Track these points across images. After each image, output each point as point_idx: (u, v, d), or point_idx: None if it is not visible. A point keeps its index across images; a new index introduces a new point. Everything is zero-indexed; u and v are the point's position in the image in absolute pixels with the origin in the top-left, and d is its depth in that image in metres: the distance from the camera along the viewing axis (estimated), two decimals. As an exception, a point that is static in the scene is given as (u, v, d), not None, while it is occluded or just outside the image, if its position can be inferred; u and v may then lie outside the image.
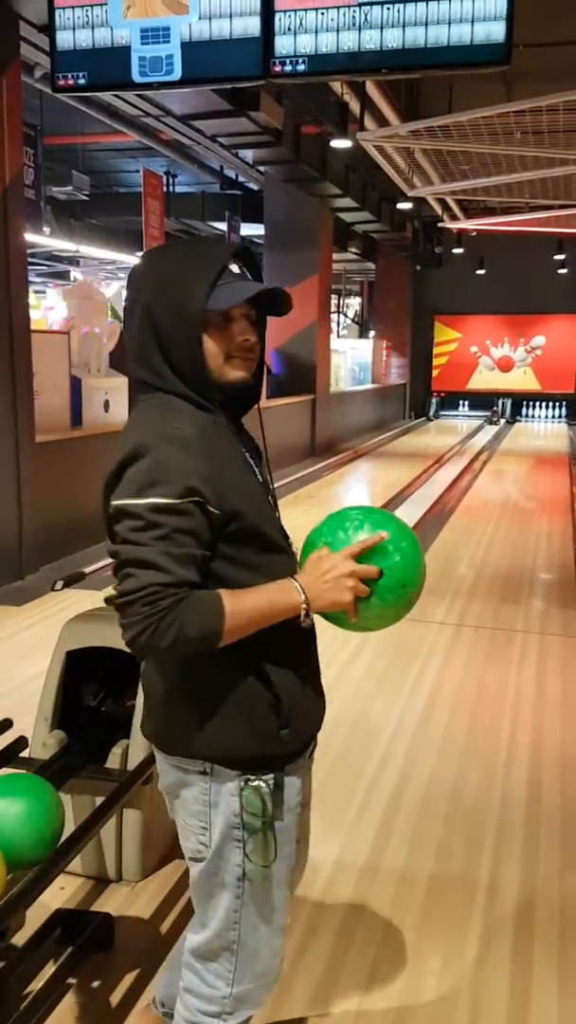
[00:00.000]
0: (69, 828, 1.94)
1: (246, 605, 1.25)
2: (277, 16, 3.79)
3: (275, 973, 1.48)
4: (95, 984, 2.00)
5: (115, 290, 12.06)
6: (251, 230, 12.30)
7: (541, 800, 2.84)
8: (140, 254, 1.28)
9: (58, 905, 2.20)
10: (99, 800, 2.12)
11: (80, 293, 7.47)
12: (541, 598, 5.34)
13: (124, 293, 1.36)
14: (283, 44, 3.79)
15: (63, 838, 1.84)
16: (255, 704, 1.34)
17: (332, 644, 4.28)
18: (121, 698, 2.48)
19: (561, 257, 15.86)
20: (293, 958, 2.08)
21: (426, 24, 3.59)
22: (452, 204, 12.46)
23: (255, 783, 1.34)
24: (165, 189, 10.61)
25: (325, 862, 2.50)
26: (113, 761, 2.31)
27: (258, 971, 1.44)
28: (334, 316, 22.08)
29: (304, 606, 1.28)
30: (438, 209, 12.76)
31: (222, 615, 1.22)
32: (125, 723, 2.37)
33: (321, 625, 1.40)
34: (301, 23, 3.76)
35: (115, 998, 1.96)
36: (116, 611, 1.25)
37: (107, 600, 1.26)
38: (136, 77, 4.04)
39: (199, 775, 1.36)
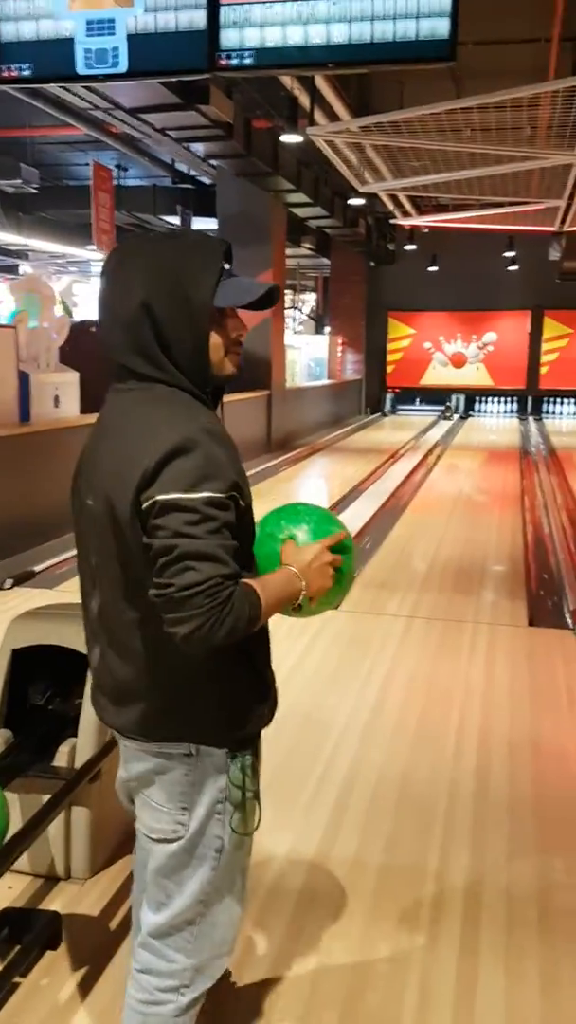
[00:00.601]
0: (16, 827, 1.92)
1: (269, 595, 1.31)
2: (222, 10, 3.77)
3: (231, 943, 1.52)
4: (43, 983, 1.98)
5: (65, 284, 11.91)
6: (203, 224, 12.24)
7: (488, 788, 2.88)
8: (121, 244, 1.28)
9: (5, 904, 2.18)
10: (46, 798, 2.11)
11: (28, 287, 7.36)
12: (491, 590, 5.42)
13: (104, 281, 1.39)
14: (229, 37, 3.78)
15: (9, 836, 1.82)
16: (242, 686, 1.42)
17: (287, 638, 4.30)
18: (69, 696, 2.46)
19: (512, 254, 16.06)
20: (243, 948, 2.09)
21: (372, 19, 3.60)
22: (404, 200, 12.53)
23: (240, 760, 1.42)
24: (116, 182, 10.51)
25: (276, 853, 2.51)
26: (60, 759, 2.29)
27: (216, 940, 1.49)
28: (289, 312, 22.10)
29: (304, 592, 1.37)
30: (390, 205, 12.84)
31: (259, 605, 1.29)
32: (72, 721, 2.35)
33: (275, 619, 1.42)
34: (247, 17, 3.75)
35: (63, 996, 1.95)
36: (163, 606, 1.24)
37: (156, 596, 1.24)
38: (81, 69, 3.99)
39: (184, 757, 1.40)
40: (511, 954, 2.09)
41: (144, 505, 1.25)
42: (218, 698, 1.40)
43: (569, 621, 4.60)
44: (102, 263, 1.47)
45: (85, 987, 1.98)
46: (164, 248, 1.36)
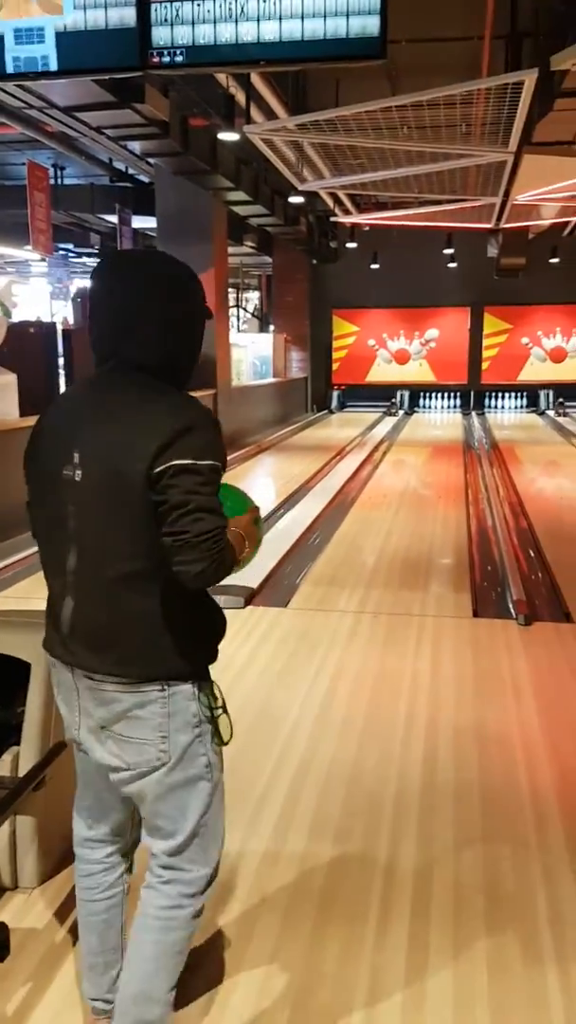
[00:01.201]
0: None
1: (235, 547, 1.60)
2: (153, 7, 3.74)
3: (220, 855, 1.76)
4: (-10, 996, 1.95)
5: (3, 285, 11.70)
6: (143, 223, 12.15)
7: (436, 778, 2.92)
8: (131, 255, 1.94)
9: (-51, 919, 2.13)
10: (-11, 808, 2.07)
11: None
12: (437, 582, 5.48)
13: (119, 285, 1.64)
14: (160, 35, 3.75)
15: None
16: (202, 627, 1.68)
17: (238, 636, 4.31)
18: (11, 704, 2.42)
19: (450, 251, 16.27)
20: (193, 949, 2.08)
21: (302, 17, 3.61)
22: (344, 198, 12.60)
23: (205, 688, 1.66)
24: (53, 181, 10.36)
25: (227, 851, 2.48)
26: (3, 768, 2.26)
27: (219, 848, 1.75)
28: (233, 310, 22.05)
29: (247, 550, 1.70)
30: (331, 203, 12.89)
31: (235, 553, 1.60)
32: (15, 729, 2.31)
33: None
34: (177, 14, 3.72)
35: (11, 1008, 1.92)
36: (177, 549, 1.50)
37: (173, 541, 1.52)
38: (9, 67, 3.92)
39: (158, 692, 1.60)
40: (459, 944, 2.12)
41: (158, 469, 1.49)
42: (184, 638, 1.62)
43: (512, 611, 4.67)
44: (108, 267, 1.69)
45: (33, 998, 1.95)
46: (167, 264, 1.65)
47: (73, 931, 2.14)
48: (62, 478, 1.59)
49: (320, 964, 2.06)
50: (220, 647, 1.72)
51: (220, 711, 1.67)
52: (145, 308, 1.59)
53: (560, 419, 16.21)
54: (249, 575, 5.33)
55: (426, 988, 1.98)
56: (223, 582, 1.59)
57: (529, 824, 2.63)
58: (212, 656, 1.70)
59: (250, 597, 4.93)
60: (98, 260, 1.51)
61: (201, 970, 2.02)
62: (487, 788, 2.86)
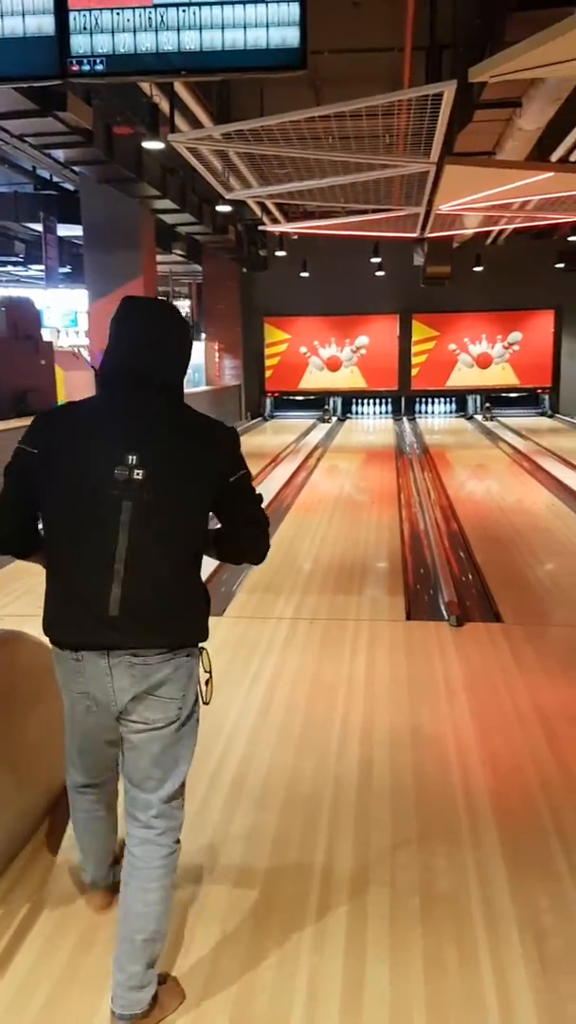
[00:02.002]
0: None
1: None
2: (71, 15, 3.71)
3: None
4: None
5: None
6: (69, 231, 12.01)
7: (371, 780, 2.94)
8: (157, 303, 2.19)
9: None
10: None
11: None
12: (372, 586, 5.54)
13: (154, 325, 2.03)
14: (79, 43, 3.72)
15: None
16: (207, 598, 2.00)
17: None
18: None
19: (378, 260, 16.50)
20: (131, 969, 2.06)
21: (222, 27, 3.62)
22: (272, 207, 12.66)
23: (204, 650, 2.00)
24: (-26, 190, 10.16)
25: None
26: None
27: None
28: (164, 319, 21.89)
29: None
30: (259, 212, 12.94)
31: None
32: None
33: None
34: (96, 23, 3.70)
35: None
36: (259, 535, 2.05)
37: (256, 530, 2.07)
38: None
39: (186, 657, 1.94)
40: (395, 945, 2.14)
41: (237, 471, 1.97)
42: (202, 609, 1.99)
43: (444, 612, 4.75)
44: (141, 311, 2.04)
45: None
46: (177, 311, 2.11)
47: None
48: (114, 477, 1.83)
49: (258, 973, 2.05)
50: None
51: (208, 675, 2.00)
52: (173, 345, 2.00)
53: (488, 423, 16.56)
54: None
55: (363, 992, 1.99)
56: None
57: (463, 823, 2.68)
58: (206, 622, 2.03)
59: (185, 607, 4.89)
60: (128, 304, 1.76)
61: (138, 987, 2.00)
62: (422, 789, 2.89)
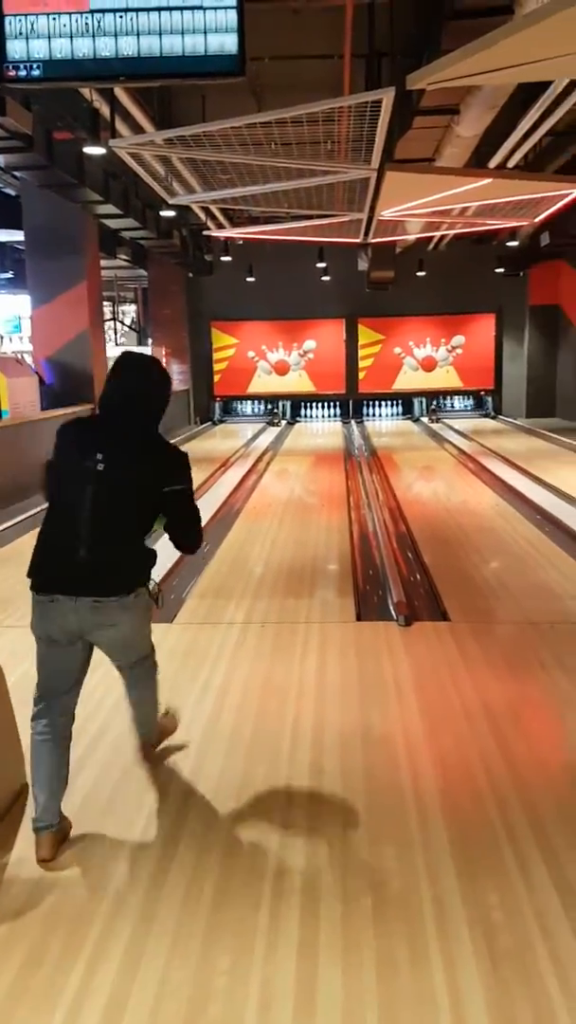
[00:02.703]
0: None
1: None
2: (7, 20, 3.67)
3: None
4: None
5: None
6: (10, 236, 11.84)
7: (322, 784, 2.96)
8: (148, 358, 2.94)
9: None
10: None
11: None
12: (322, 588, 5.56)
13: (139, 372, 2.84)
14: (15, 48, 3.68)
15: None
16: (149, 558, 2.74)
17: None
18: None
19: (323, 265, 16.61)
20: (81, 979, 2.04)
21: (160, 33, 3.62)
22: (216, 212, 12.65)
23: (149, 582, 2.74)
24: None
25: (113, 875, 2.47)
26: None
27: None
28: (110, 323, 21.74)
29: None
30: (203, 217, 12.92)
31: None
32: None
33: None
34: (33, 28, 3.66)
35: None
36: (179, 534, 2.83)
37: (193, 527, 2.91)
38: None
39: (134, 596, 2.65)
40: (348, 948, 2.15)
41: (180, 484, 2.73)
42: (146, 564, 2.72)
43: (393, 613, 4.79)
44: (130, 363, 2.82)
45: None
46: (162, 370, 2.86)
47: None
48: (96, 472, 2.59)
49: (210, 980, 2.05)
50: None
51: (157, 588, 2.80)
52: (152, 393, 2.78)
53: (433, 425, 16.77)
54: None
55: (316, 995, 2.00)
56: None
57: (413, 823, 2.70)
58: (154, 565, 2.77)
59: (134, 615, 4.86)
60: (125, 358, 2.69)
61: (89, 999, 1.98)
62: (372, 790, 2.91)
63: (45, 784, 2.61)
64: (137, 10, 3.65)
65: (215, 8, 3.62)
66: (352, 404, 18.52)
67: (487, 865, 2.48)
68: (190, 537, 2.85)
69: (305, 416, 18.64)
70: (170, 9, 3.61)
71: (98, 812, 2.81)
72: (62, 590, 2.57)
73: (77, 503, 2.58)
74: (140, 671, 2.93)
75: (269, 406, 18.52)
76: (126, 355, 2.83)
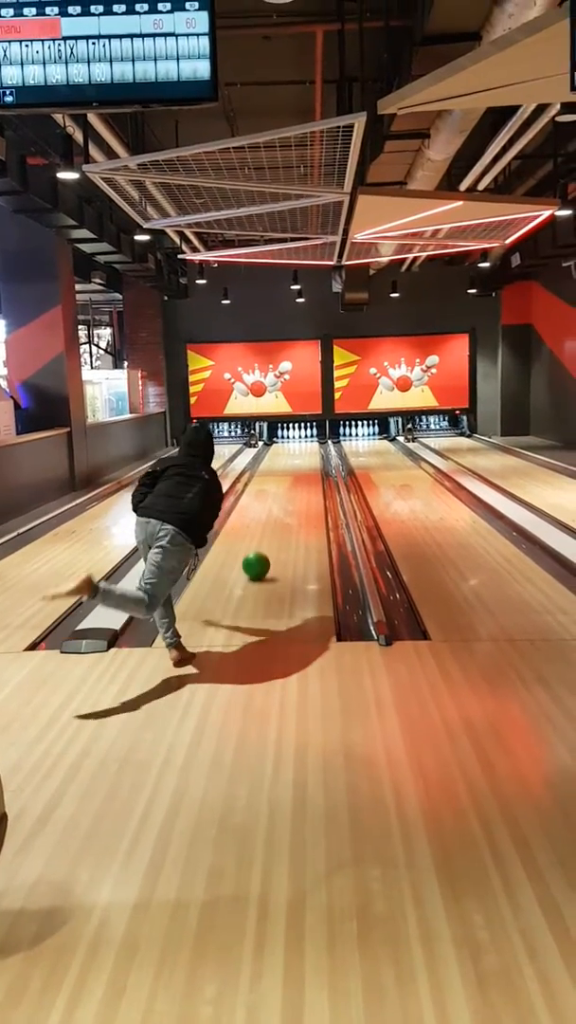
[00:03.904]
0: None
1: None
2: (-21, 45, 3.67)
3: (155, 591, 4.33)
4: None
5: None
6: (-15, 262, 11.78)
7: (306, 804, 2.93)
8: (200, 428, 5.04)
9: None
10: None
11: None
12: (301, 609, 5.55)
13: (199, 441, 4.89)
14: (-13, 74, 3.67)
15: None
16: (205, 528, 4.62)
17: (101, 680, 4.20)
18: None
19: (297, 287, 16.75)
20: (64, 1009, 2.00)
21: (133, 60, 3.64)
22: (191, 236, 12.73)
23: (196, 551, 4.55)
24: None
25: (96, 903, 2.43)
26: None
27: (156, 589, 4.30)
28: (85, 347, 21.72)
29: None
30: (178, 240, 12.99)
31: None
32: None
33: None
34: (5, 54, 3.67)
35: None
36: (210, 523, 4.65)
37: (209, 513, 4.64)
38: None
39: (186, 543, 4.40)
40: (335, 972, 2.13)
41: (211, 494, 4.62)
42: (204, 532, 4.54)
43: (373, 632, 4.79)
44: (194, 431, 4.94)
45: None
46: (208, 432, 5.01)
47: None
48: (198, 475, 4.58)
49: (196, 1010, 2.01)
50: (83, 695, 3.99)
51: (193, 567, 4.68)
52: (204, 443, 4.82)
53: (409, 444, 16.88)
54: (112, 616, 5.22)
55: (303, 1021, 1.97)
56: (84, 626, 4.84)
57: (397, 843, 2.69)
58: (203, 545, 4.60)
59: (113, 639, 4.82)
60: (199, 427, 5.26)
61: (71, 1036, 1.94)
62: (355, 810, 2.90)
63: (162, 624, 4.48)
64: (110, 37, 3.67)
65: (187, 35, 3.65)
66: (329, 424, 18.60)
67: (471, 884, 2.47)
68: (207, 528, 4.54)
69: (282, 437, 18.70)
70: (143, 36, 3.63)
71: (79, 841, 2.77)
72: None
73: (170, 493, 4.48)
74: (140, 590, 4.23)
75: (246, 427, 18.55)
76: (192, 425, 4.47)
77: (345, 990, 2.07)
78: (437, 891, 2.43)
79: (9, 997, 2.08)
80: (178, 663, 4.39)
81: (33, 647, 4.83)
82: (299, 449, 17.47)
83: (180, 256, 13.66)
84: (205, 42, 3.73)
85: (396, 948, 2.20)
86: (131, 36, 3.65)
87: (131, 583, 6.00)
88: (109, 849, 2.71)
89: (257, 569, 6.25)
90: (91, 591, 3.96)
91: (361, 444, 17.89)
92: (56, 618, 5.34)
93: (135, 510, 4.53)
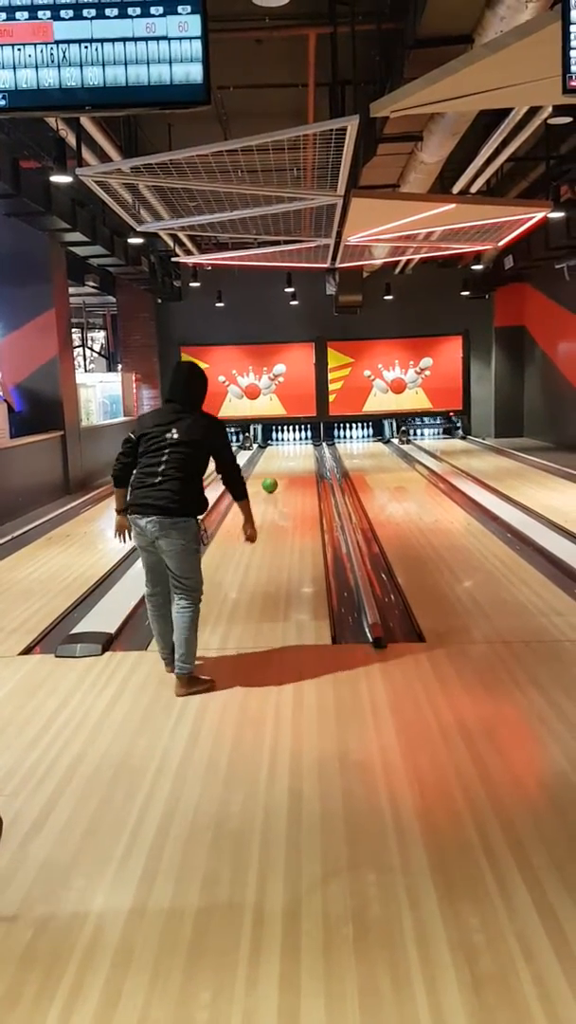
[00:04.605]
0: None
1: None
2: (-29, 49, 3.66)
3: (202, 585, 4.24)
4: None
5: None
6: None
7: (301, 809, 2.93)
8: (188, 365, 4.49)
9: None
10: None
11: None
12: (297, 612, 5.55)
13: (188, 374, 4.38)
14: (-21, 78, 3.67)
15: None
16: (202, 498, 4.20)
17: (95, 684, 4.19)
18: None
19: (291, 290, 16.76)
20: (58, 1018, 1.99)
21: (125, 64, 3.63)
22: (184, 239, 12.73)
23: (198, 520, 4.14)
24: None
25: (90, 911, 2.42)
26: None
27: (201, 582, 4.23)
28: (79, 350, 21.69)
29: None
30: (171, 244, 12.98)
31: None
32: None
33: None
34: (-3, 57, 3.66)
35: None
36: (227, 474, 4.32)
37: (234, 468, 4.36)
38: None
39: (186, 521, 4.05)
40: (331, 977, 2.12)
41: (219, 435, 4.24)
42: (199, 501, 4.12)
43: (369, 635, 4.79)
44: (181, 367, 4.42)
45: None
46: (199, 370, 4.41)
47: None
48: (164, 436, 4.07)
49: (191, 1015, 2.01)
50: (78, 700, 4.00)
51: (203, 530, 4.19)
52: (193, 385, 4.27)
53: (404, 447, 16.89)
54: (107, 620, 5.21)
55: (299, 1026, 1.96)
56: (79, 630, 4.71)
57: (392, 847, 2.68)
58: (202, 512, 4.15)
59: (108, 643, 4.81)
60: (176, 366, 4.65)
61: (66, 1044, 1.93)
62: (351, 815, 2.89)
63: (160, 638, 4.30)
64: (102, 40, 3.66)
65: (180, 38, 3.65)
66: (323, 427, 18.61)
67: (467, 887, 2.46)
68: (234, 479, 4.29)
69: (276, 439, 18.70)
70: (135, 40, 3.63)
71: (74, 846, 2.76)
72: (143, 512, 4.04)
73: (155, 466, 4.04)
74: (185, 599, 4.08)
75: (240, 430, 18.55)
76: (178, 364, 4.32)
77: (341, 995, 2.06)
78: (433, 895, 2.43)
79: (4, 1004, 2.07)
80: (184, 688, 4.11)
81: (28, 651, 4.82)
82: (293, 451, 17.47)
83: (174, 259, 13.65)
84: (198, 46, 3.72)
85: (392, 952, 2.20)
86: (123, 40, 3.65)
87: (127, 585, 6.02)
88: (104, 854, 2.70)
89: (271, 487, 9.33)
90: (190, 682, 4.08)
91: (355, 447, 17.90)
92: (51, 622, 5.32)
93: (115, 485, 4.26)
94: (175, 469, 3.99)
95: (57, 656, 4.65)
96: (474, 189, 10.00)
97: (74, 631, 5.02)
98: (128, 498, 4.13)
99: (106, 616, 5.33)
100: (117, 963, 2.20)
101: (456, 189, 9.92)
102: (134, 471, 4.14)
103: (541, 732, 3.56)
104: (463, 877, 2.52)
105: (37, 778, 3.21)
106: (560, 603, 5.39)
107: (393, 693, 3.99)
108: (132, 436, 4.19)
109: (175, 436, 4.03)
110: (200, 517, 4.10)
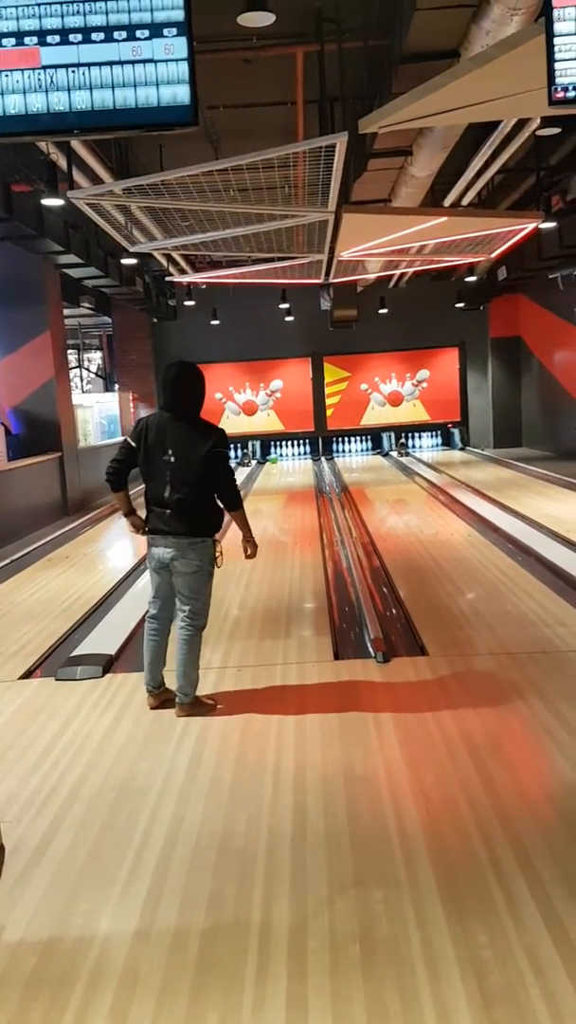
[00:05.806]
0: None
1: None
2: (-41, 76, 3.69)
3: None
4: None
5: None
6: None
7: (306, 827, 2.90)
8: (182, 363, 4.16)
9: None
10: None
11: None
12: (298, 628, 5.53)
13: (182, 376, 4.10)
14: (-31, 104, 3.69)
15: None
16: (219, 515, 4.05)
17: (97, 706, 4.17)
18: None
19: (286, 306, 16.82)
20: (63, 1054, 1.96)
21: (112, 87, 3.66)
22: (178, 258, 12.79)
23: (213, 540, 4.00)
24: None
25: (96, 934, 2.39)
26: None
27: (209, 608, 4.12)
28: (76, 371, 21.77)
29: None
30: (165, 263, 13.04)
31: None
32: None
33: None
34: (-15, 84, 3.69)
35: None
36: (222, 489, 4.01)
37: (230, 490, 4.11)
38: None
39: (202, 542, 3.95)
40: (338, 997, 2.09)
41: (215, 451, 3.93)
42: (212, 520, 3.98)
43: (371, 650, 4.77)
44: (177, 367, 4.08)
45: None
46: (195, 371, 4.09)
47: None
48: (161, 458, 3.92)
49: (198, 1043, 1.98)
50: (79, 723, 3.97)
51: (219, 553, 4.02)
52: (190, 390, 4.05)
53: (402, 459, 16.91)
54: (107, 641, 5.19)
55: (308, 1049, 1.94)
56: (79, 652, 4.69)
57: (399, 863, 2.66)
58: (219, 529, 4.00)
59: (108, 664, 4.79)
60: (169, 366, 4.21)
61: (72, 1073, 1.90)
62: (356, 832, 2.86)
63: (148, 666, 4.14)
64: (89, 65, 3.69)
65: (166, 60, 3.68)
66: (321, 441, 18.63)
67: (475, 902, 2.44)
68: (228, 493, 4.02)
69: (275, 455, 18.72)
70: (122, 63, 3.66)
71: (78, 871, 2.73)
72: (158, 530, 3.99)
73: (161, 485, 3.94)
74: (188, 623, 4.00)
75: (239, 447, 18.57)
76: (171, 365, 4.07)
77: (349, 1015, 2.03)
78: (440, 911, 2.40)
79: (7, 1033, 2.04)
80: (156, 707, 4.09)
81: (28, 675, 4.80)
82: (292, 467, 17.48)
83: (168, 278, 13.72)
84: (184, 67, 3.74)
85: (400, 971, 2.17)
86: (110, 63, 3.67)
87: (127, 606, 6.00)
88: (108, 878, 2.67)
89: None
90: (193, 704, 4.04)
91: (354, 460, 17.91)
92: (51, 645, 5.30)
93: (112, 489, 4.17)
94: (181, 494, 3.86)
95: (57, 680, 4.63)
96: (465, 202, 10.05)
97: (74, 653, 5.00)
98: (146, 521, 4.03)
99: (106, 637, 5.31)
100: (123, 987, 2.17)
101: (448, 202, 9.98)
102: (145, 488, 4.03)
103: (547, 744, 3.54)
104: (471, 892, 2.49)
105: (39, 803, 3.19)
106: (563, 613, 5.37)
107: (397, 707, 3.96)
108: (131, 442, 4.02)
109: (172, 459, 3.88)
110: (217, 537, 3.97)
